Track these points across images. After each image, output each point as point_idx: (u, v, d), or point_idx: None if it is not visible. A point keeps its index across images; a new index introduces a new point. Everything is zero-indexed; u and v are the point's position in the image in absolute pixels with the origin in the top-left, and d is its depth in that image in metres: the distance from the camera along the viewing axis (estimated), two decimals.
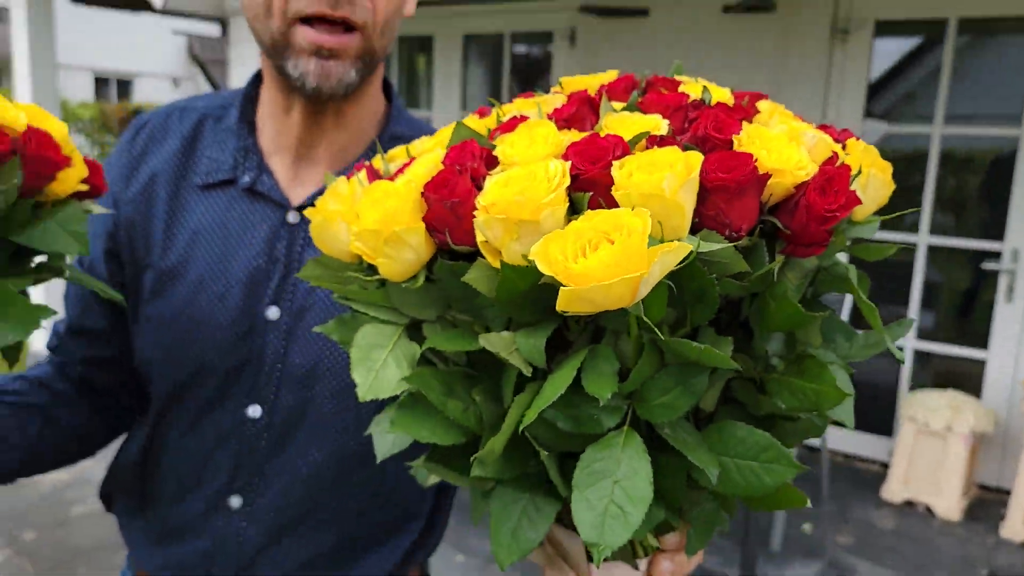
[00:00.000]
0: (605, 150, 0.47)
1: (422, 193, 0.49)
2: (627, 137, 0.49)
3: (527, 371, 0.46)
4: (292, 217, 0.83)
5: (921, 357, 4.11)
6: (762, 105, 0.57)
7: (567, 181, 0.45)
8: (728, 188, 0.46)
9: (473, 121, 0.58)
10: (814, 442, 3.82)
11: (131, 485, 0.93)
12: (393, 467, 0.86)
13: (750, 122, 0.52)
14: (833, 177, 0.49)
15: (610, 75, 0.61)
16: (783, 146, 0.49)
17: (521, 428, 0.46)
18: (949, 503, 3.58)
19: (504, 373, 0.49)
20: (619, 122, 0.51)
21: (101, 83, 17.40)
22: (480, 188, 0.47)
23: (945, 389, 3.81)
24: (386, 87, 0.91)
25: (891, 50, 4.12)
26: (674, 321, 0.48)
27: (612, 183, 0.45)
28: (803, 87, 4.13)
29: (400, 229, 0.49)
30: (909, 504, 3.75)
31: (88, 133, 10.97)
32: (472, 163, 0.50)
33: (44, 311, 0.58)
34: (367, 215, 0.50)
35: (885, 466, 4.14)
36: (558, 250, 0.42)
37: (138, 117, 0.89)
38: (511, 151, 0.49)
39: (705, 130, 0.50)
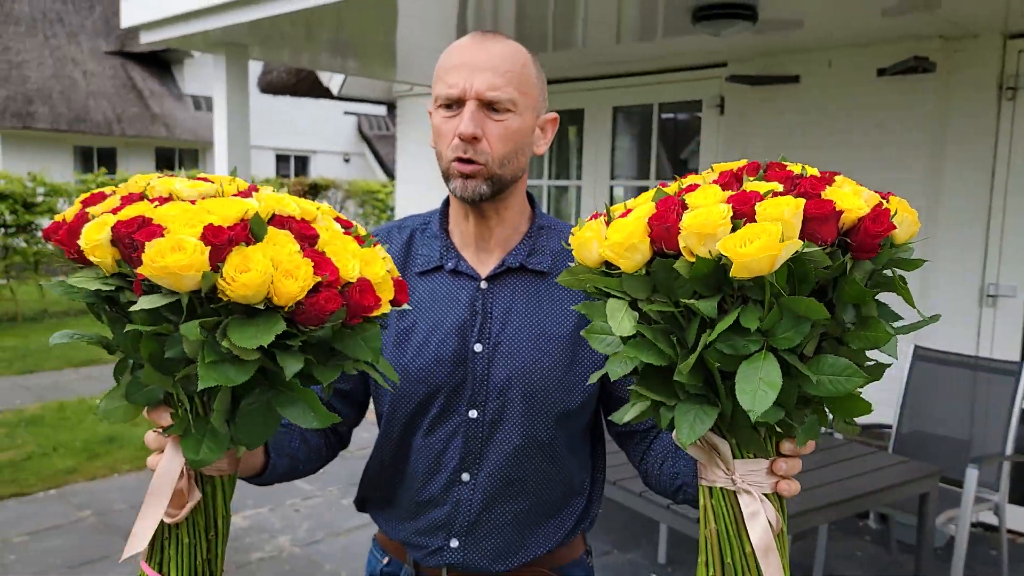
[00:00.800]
0: (751, 197, 0.82)
1: (647, 222, 0.84)
2: (761, 192, 0.83)
3: (709, 318, 0.81)
4: (483, 285, 1.24)
5: None
6: (838, 178, 0.88)
7: (730, 214, 0.80)
8: (818, 217, 0.80)
9: (666, 189, 0.93)
10: (991, 520, 3.55)
11: (384, 482, 1.31)
12: (564, 455, 1.25)
13: (831, 185, 0.85)
14: (879, 214, 0.82)
15: (741, 163, 0.94)
16: (850, 196, 0.83)
17: (700, 350, 0.80)
18: None
19: (689, 324, 0.84)
20: (754, 186, 0.85)
21: (281, 160, 19.07)
22: (680, 219, 0.82)
23: None
24: (528, 197, 1.31)
25: None
26: (788, 292, 0.80)
27: (755, 213, 0.79)
28: (969, 146, 3.97)
29: (636, 241, 0.83)
30: None
31: None
32: (676, 207, 0.84)
33: (334, 417, 0.85)
34: (614, 235, 0.85)
35: None
36: (732, 243, 0.77)
37: (374, 230, 1.24)
38: (697, 200, 0.84)
39: (804, 188, 0.83)
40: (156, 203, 0.84)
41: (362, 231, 0.95)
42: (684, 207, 0.83)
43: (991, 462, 3.27)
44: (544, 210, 1.35)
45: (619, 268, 0.85)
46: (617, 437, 1.33)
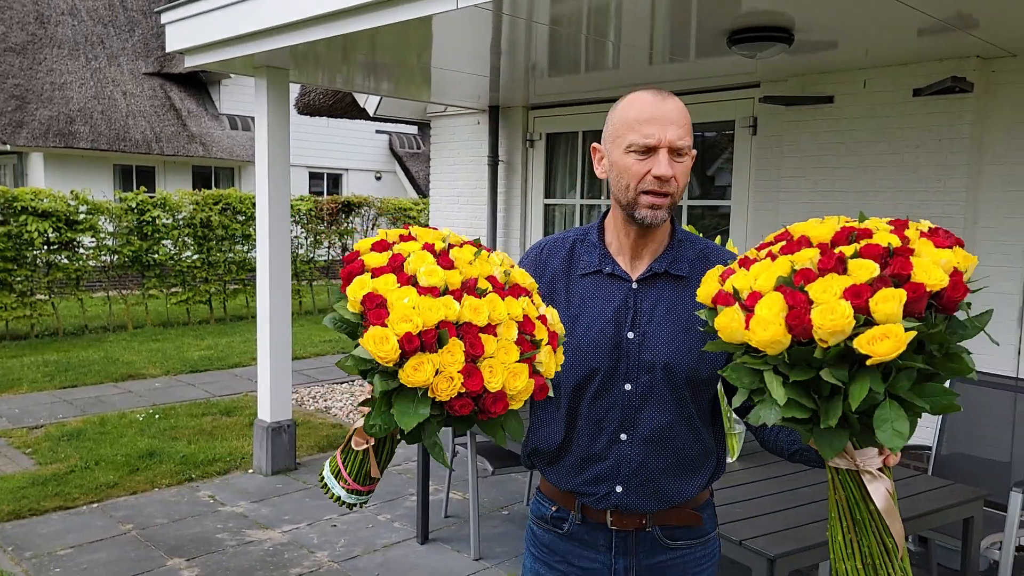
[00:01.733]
0: (863, 292, 1.04)
1: (786, 321, 1.06)
2: (865, 279, 1.06)
3: (839, 384, 1.06)
4: (635, 286, 1.55)
5: None
6: (910, 233, 1.11)
7: (851, 312, 1.04)
8: (914, 300, 1.04)
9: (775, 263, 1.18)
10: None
11: (555, 443, 1.60)
12: (697, 421, 1.55)
13: (912, 254, 1.08)
14: (957, 283, 1.06)
15: (829, 226, 1.17)
16: (934, 270, 1.05)
17: (855, 407, 1.05)
18: None
19: (821, 385, 1.07)
20: (857, 271, 1.07)
21: (314, 177, 19.31)
22: (809, 313, 1.05)
23: None
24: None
25: None
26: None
27: (870, 308, 1.03)
28: (1008, 166, 3.95)
29: (780, 338, 1.06)
30: None
31: (304, 224, 12.24)
32: (803, 305, 1.06)
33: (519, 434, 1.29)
34: (761, 333, 1.08)
35: None
36: (866, 342, 1.01)
37: (538, 242, 1.66)
38: (819, 295, 1.06)
39: (896, 269, 1.06)
40: (399, 273, 1.23)
41: (540, 317, 1.30)
42: (810, 302, 1.06)
43: None
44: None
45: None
46: (738, 411, 1.56)
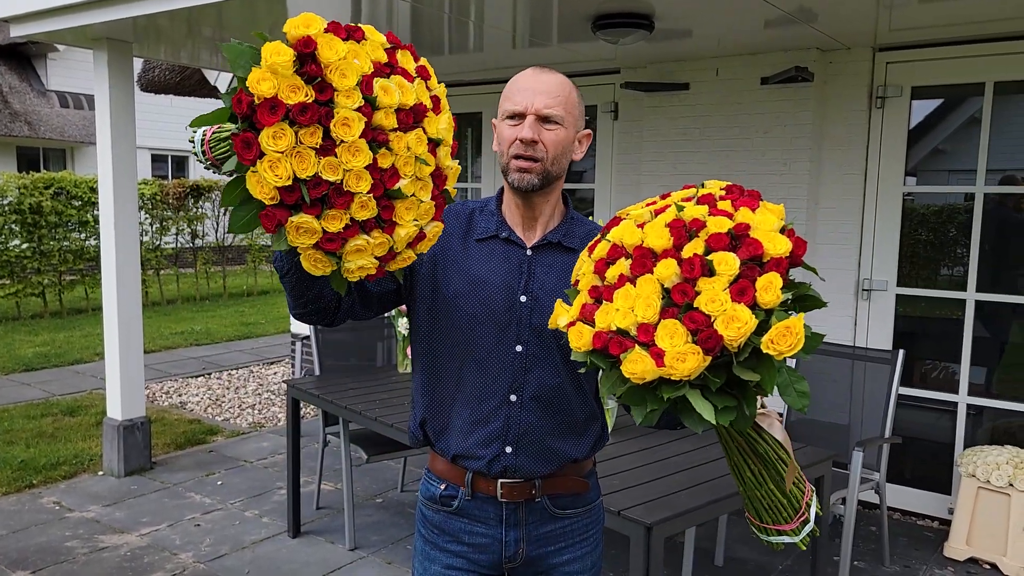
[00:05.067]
0: (747, 289, 1.08)
1: (701, 348, 1.08)
2: (733, 273, 1.10)
3: (755, 379, 1.10)
4: (530, 252, 1.61)
5: (974, 413, 4.11)
6: (723, 205, 1.17)
7: (753, 319, 1.09)
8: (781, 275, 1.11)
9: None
10: (873, 499, 3.83)
11: (446, 408, 1.63)
12: (585, 386, 1.61)
13: (749, 228, 1.13)
14: (796, 240, 1.12)
15: (661, 230, 1.18)
16: (778, 239, 1.11)
17: (769, 391, 1.10)
18: (1016, 561, 3.55)
19: (732, 380, 1.12)
20: (722, 262, 1.12)
21: (157, 160, 18.18)
22: (721, 334, 1.10)
23: (1004, 446, 3.80)
24: (564, 198, 1.67)
25: (928, 111, 4.25)
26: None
27: (756, 296, 1.09)
28: (843, 151, 4.27)
29: (699, 363, 1.08)
30: (973, 561, 3.71)
31: (148, 209, 11.48)
32: (705, 324, 1.10)
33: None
34: (680, 368, 1.09)
35: (943, 523, 4.11)
36: (768, 340, 1.07)
37: (448, 207, 1.62)
38: (708, 305, 1.10)
39: (750, 252, 1.11)
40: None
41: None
42: (708, 317, 1.08)
43: (873, 445, 3.53)
44: None
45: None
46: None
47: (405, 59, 1.18)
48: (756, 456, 1.32)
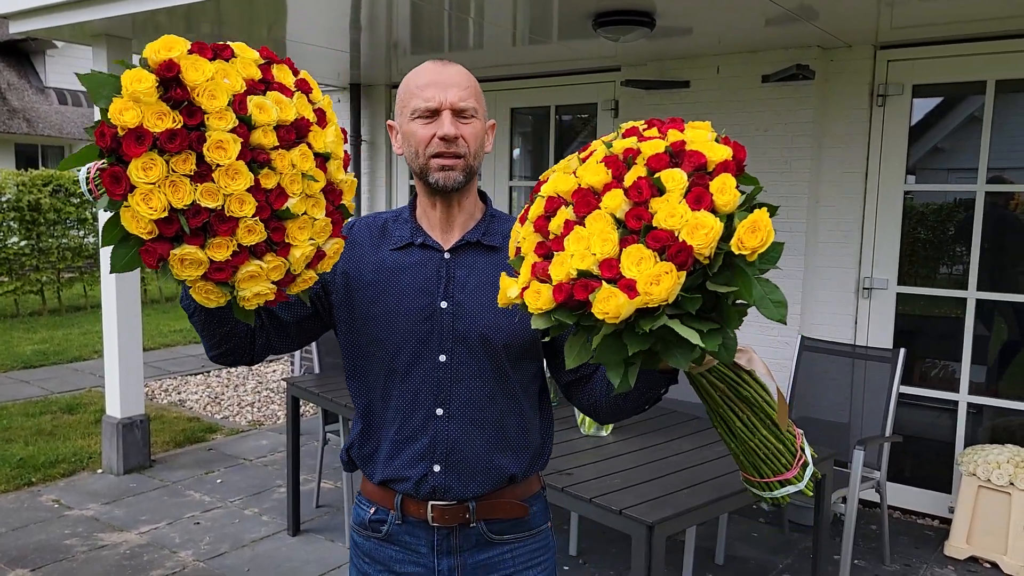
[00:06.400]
0: (702, 193, 1.03)
1: (673, 264, 1.01)
2: (682, 186, 1.04)
3: (731, 290, 1.03)
4: (447, 255, 1.51)
5: (975, 412, 4.11)
6: (649, 132, 1.13)
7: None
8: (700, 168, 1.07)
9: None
10: (873, 498, 3.82)
11: (372, 430, 1.53)
12: (519, 394, 1.51)
13: (685, 144, 1.09)
14: (736, 147, 1.08)
15: (597, 168, 1.11)
16: (716, 147, 1.07)
17: (752, 301, 1.03)
18: (1016, 560, 3.55)
19: (707, 298, 1.04)
20: (670, 179, 1.05)
21: None
22: (690, 244, 1.04)
23: (1004, 444, 3.80)
24: (482, 194, 1.59)
25: (929, 109, 4.24)
26: None
27: (715, 205, 1.03)
28: (844, 150, 4.26)
29: (675, 280, 1.00)
30: (973, 560, 3.71)
31: None
32: (672, 238, 1.04)
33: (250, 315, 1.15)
34: (655, 291, 1.00)
35: (944, 522, 4.11)
36: (736, 241, 1.02)
37: (349, 220, 1.47)
38: (671, 219, 1.04)
39: (693, 163, 1.06)
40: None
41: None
42: (672, 231, 1.01)
43: (873, 443, 3.53)
44: None
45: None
46: (565, 389, 1.58)
47: (282, 73, 1.12)
48: (742, 401, 1.26)
